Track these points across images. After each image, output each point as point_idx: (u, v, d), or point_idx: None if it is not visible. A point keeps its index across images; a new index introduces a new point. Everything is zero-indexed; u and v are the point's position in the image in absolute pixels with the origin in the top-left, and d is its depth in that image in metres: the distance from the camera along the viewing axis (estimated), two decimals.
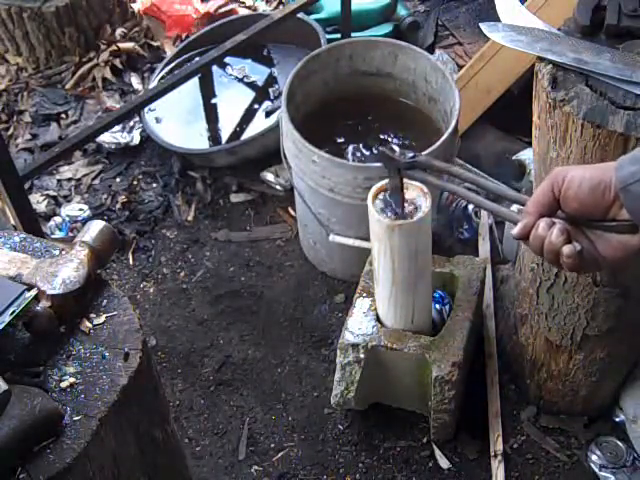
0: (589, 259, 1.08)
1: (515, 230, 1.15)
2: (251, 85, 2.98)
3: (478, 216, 2.46)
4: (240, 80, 3.00)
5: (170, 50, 3.15)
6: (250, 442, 2.10)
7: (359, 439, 2.08)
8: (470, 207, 2.47)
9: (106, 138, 2.78)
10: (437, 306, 2.00)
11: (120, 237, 2.53)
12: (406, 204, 1.62)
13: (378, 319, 1.94)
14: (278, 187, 2.69)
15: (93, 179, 2.78)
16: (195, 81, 2.92)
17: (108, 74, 3.09)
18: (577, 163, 1.49)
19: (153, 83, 2.92)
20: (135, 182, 2.75)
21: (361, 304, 1.97)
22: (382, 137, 2.41)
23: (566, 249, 1.07)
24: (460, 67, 2.83)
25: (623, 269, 1.08)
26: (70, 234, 2.51)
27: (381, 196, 1.66)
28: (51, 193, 2.70)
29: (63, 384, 1.16)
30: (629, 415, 2.00)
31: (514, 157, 2.54)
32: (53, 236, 2.51)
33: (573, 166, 1.09)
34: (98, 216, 2.61)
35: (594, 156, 1.45)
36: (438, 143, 2.07)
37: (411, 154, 1.42)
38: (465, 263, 2.05)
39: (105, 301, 1.27)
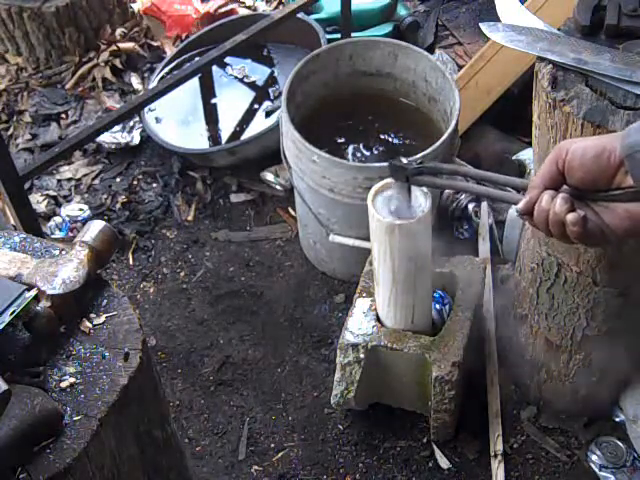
0: (596, 230, 1.09)
1: (520, 205, 1.16)
2: (251, 85, 2.98)
3: (478, 216, 2.46)
4: (240, 80, 3.00)
5: (170, 50, 3.15)
6: (250, 442, 2.10)
7: (359, 439, 2.08)
8: (470, 207, 2.47)
9: (106, 138, 2.78)
10: (437, 306, 2.00)
11: (120, 237, 2.53)
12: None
13: (378, 319, 1.94)
14: (278, 187, 2.69)
15: (93, 179, 2.78)
16: (195, 81, 2.92)
17: (108, 74, 3.09)
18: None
19: (153, 83, 2.92)
20: (135, 182, 2.75)
21: (361, 304, 1.97)
22: (382, 137, 2.41)
23: (570, 216, 1.08)
24: (460, 67, 2.83)
25: (631, 239, 1.10)
26: (70, 234, 2.51)
27: (384, 196, 1.66)
28: (51, 193, 2.70)
29: (63, 384, 1.16)
30: (629, 415, 2.00)
31: (514, 157, 2.54)
32: (53, 236, 2.51)
33: (576, 138, 1.10)
34: (98, 216, 2.61)
35: None
36: (438, 143, 2.07)
37: (419, 161, 1.45)
38: (465, 263, 2.05)
39: (105, 301, 1.27)
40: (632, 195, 1.04)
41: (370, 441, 2.07)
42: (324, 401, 2.15)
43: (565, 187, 1.11)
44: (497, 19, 1.70)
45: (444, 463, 2.02)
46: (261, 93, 2.94)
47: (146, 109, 2.76)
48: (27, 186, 2.67)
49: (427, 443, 2.05)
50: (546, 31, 1.59)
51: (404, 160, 1.47)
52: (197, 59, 2.82)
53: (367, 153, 2.38)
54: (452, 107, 2.20)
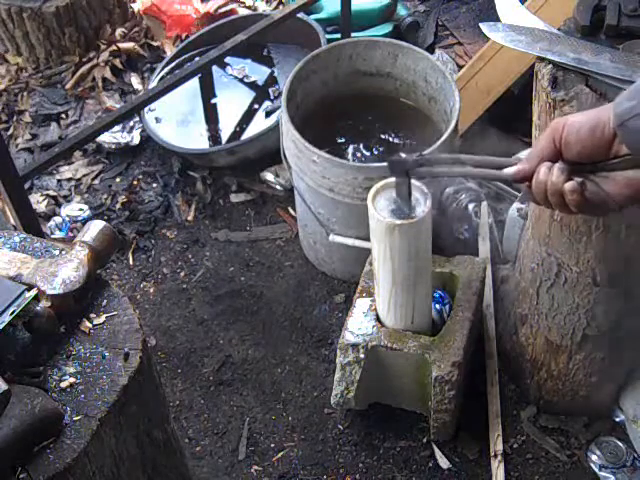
0: (596, 199, 1.10)
1: (512, 170, 1.18)
2: (251, 85, 2.98)
3: (478, 216, 2.46)
4: (240, 80, 3.00)
5: (170, 50, 3.15)
6: (250, 442, 2.10)
7: (359, 439, 2.08)
8: (470, 207, 2.47)
9: (106, 138, 2.78)
10: (437, 306, 2.00)
11: (120, 237, 2.53)
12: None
13: (378, 319, 1.94)
14: (278, 187, 2.69)
15: (93, 179, 2.78)
16: (195, 81, 2.92)
17: (108, 74, 3.09)
18: None
19: (153, 83, 2.92)
20: (135, 182, 2.75)
21: (361, 304, 1.97)
22: (382, 137, 2.41)
23: (568, 185, 1.10)
24: (460, 67, 2.83)
25: (633, 206, 1.11)
26: (70, 234, 2.51)
27: (384, 196, 1.66)
28: (51, 193, 2.70)
29: (63, 384, 1.16)
30: (629, 415, 2.00)
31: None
32: (53, 236, 2.51)
33: (570, 115, 1.12)
34: (98, 216, 2.61)
35: None
36: (438, 143, 2.07)
37: (417, 154, 1.47)
38: (465, 263, 2.05)
39: (105, 301, 1.27)
40: (629, 163, 1.06)
41: (370, 441, 2.07)
42: (324, 401, 2.15)
43: (562, 164, 1.13)
44: (497, 19, 1.70)
45: (444, 463, 2.02)
46: (261, 93, 2.94)
47: (146, 109, 2.76)
48: (27, 186, 2.66)
49: (427, 443, 2.05)
50: (546, 31, 1.59)
51: (403, 155, 1.49)
52: (197, 59, 2.81)
53: (367, 153, 2.38)
54: (452, 107, 2.20)
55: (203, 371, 2.25)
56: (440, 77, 2.28)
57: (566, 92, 1.47)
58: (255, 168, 2.72)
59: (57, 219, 2.56)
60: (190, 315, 2.39)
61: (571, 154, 1.11)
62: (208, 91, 2.98)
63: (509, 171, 1.19)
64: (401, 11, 3.10)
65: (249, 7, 3.37)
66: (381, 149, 2.39)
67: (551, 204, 1.15)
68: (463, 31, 3.06)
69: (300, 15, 2.78)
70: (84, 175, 2.79)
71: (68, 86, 3.07)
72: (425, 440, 2.06)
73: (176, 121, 2.88)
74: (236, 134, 2.80)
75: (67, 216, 2.57)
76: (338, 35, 2.83)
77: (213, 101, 2.96)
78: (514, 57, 2.49)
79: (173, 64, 3.00)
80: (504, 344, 2.15)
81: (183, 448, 1.59)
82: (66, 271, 1.23)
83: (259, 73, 3.01)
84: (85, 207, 2.61)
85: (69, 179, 2.78)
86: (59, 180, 2.77)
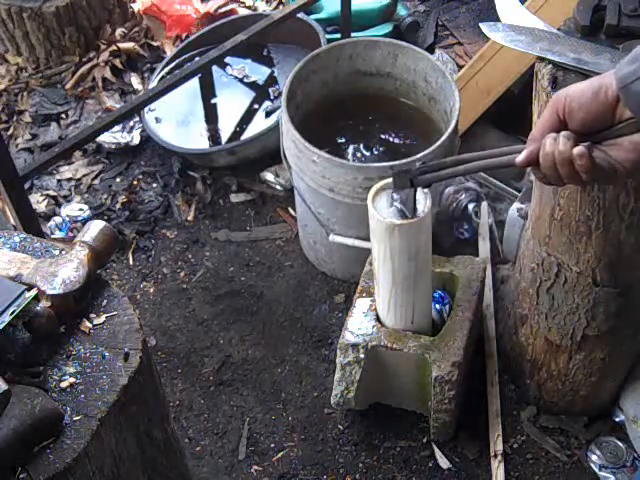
0: (605, 165, 1.10)
1: (520, 157, 1.17)
2: (251, 85, 2.98)
3: (478, 216, 2.46)
4: (240, 80, 3.00)
5: (170, 50, 3.15)
6: (250, 442, 2.10)
7: (359, 439, 2.08)
8: (470, 207, 2.47)
9: (106, 138, 2.78)
10: (437, 306, 2.00)
11: (120, 237, 2.53)
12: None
13: (378, 319, 1.94)
14: (278, 187, 2.69)
15: (93, 179, 2.77)
16: (195, 81, 2.92)
17: (108, 74, 3.09)
18: None
19: (153, 83, 2.92)
20: (135, 182, 2.75)
21: (361, 304, 1.97)
22: (382, 137, 2.41)
23: (576, 150, 1.09)
24: (460, 67, 2.83)
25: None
26: (70, 234, 2.51)
27: (385, 196, 1.66)
28: (51, 193, 2.70)
29: (63, 384, 1.16)
30: (629, 415, 2.00)
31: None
32: (53, 236, 2.51)
33: (571, 85, 1.12)
34: (98, 216, 2.61)
35: None
36: (438, 143, 2.07)
37: (420, 162, 1.50)
38: (465, 263, 2.05)
39: (105, 301, 1.27)
40: (633, 126, 1.07)
41: (370, 441, 2.07)
42: (324, 401, 2.15)
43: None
44: (497, 19, 1.70)
45: (444, 463, 2.02)
46: (261, 93, 2.94)
47: (146, 109, 2.76)
48: (27, 186, 2.66)
49: (427, 443, 2.05)
50: (546, 31, 1.59)
51: (406, 167, 1.51)
52: (197, 59, 2.81)
53: (367, 153, 2.38)
54: (452, 107, 2.20)
55: (203, 371, 2.25)
56: (440, 77, 2.28)
57: None
58: (255, 168, 2.72)
59: (57, 219, 2.56)
60: (190, 315, 2.39)
61: (575, 123, 1.11)
62: (208, 91, 2.98)
63: (519, 159, 1.18)
64: (401, 11, 3.10)
65: (249, 7, 3.37)
66: (381, 149, 2.39)
67: (561, 177, 1.14)
68: (463, 31, 3.06)
69: (300, 15, 2.78)
70: (84, 175, 2.79)
71: (68, 86, 3.07)
72: (425, 440, 2.06)
73: (176, 121, 2.88)
74: (236, 134, 2.80)
75: (67, 216, 2.57)
76: (338, 35, 2.83)
77: (213, 101, 2.96)
78: (514, 57, 2.49)
79: (173, 64, 3.00)
80: (504, 344, 2.15)
81: (183, 448, 1.59)
82: (66, 271, 1.23)
83: (259, 73, 3.01)
84: (85, 207, 2.61)
85: (69, 179, 2.78)
86: (59, 180, 2.77)
